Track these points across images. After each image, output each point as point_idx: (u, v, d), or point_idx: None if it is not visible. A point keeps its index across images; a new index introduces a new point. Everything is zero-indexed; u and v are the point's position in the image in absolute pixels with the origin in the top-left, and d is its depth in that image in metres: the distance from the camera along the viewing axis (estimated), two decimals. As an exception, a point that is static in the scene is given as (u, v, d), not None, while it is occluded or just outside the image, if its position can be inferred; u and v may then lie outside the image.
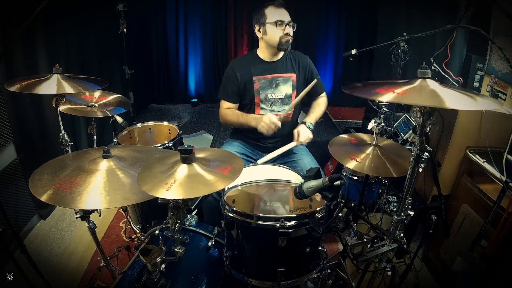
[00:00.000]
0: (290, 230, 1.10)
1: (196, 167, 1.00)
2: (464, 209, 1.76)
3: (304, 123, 1.90)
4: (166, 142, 1.77)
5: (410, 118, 2.25)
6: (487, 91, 2.34)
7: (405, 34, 2.00)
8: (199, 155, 1.06)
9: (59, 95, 1.43)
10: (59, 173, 1.06)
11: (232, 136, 2.11)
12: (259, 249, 1.22)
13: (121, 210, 2.47)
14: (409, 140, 2.13)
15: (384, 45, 2.11)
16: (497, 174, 1.58)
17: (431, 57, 2.21)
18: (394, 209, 1.35)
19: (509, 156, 1.59)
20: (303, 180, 1.08)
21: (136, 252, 1.53)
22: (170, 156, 1.09)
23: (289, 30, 1.82)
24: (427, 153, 1.03)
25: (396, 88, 0.97)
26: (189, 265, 1.26)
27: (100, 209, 1.78)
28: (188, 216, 1.43)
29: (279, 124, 1.78)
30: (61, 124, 1.48)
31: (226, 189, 1.32)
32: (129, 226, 2.14)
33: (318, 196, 1.25)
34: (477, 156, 1.76)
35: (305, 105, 2.10)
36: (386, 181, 1.81)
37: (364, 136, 1.62)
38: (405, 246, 1.20)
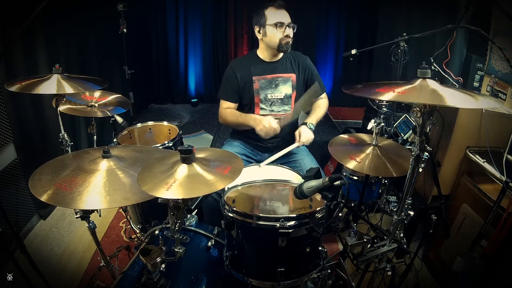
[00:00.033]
0: (290, 230, 1.10)
1: (196, 167, 1.00)
2: (464, 209, 1.76)
3: (305, 123, 1.90)
4: (166, 142, 1.77)
5: (410, 118, 2.25)
6: (487, 91, 2.34)
7: (405, 34, 2.00)
8: (199, 155, 1.06)
9: (59, 95, 1.43)
10: (59, 173, 1.06)
11: (232, 136, 2.11)
12: (259, 249, 1.22)
13: (121, 210, 2.47)
14: (409, 140, 2.13)
15: (384, 45, 2.10)
16: (497, 174, 1.58)
17: (431, 57, 2.21)
18: (394, 209, 1.35)
19: (509, 156, 1.59)
20: (303, 180, 1.08)
21: (136, 252, 1.54)
22: (170, 156, 1.09)
23: (289, 31, 1.81)
24: (427, 153, 1.03)
25: (396, 87, 0.98)
26: (189, 265, 1.26)
27: (100, 209, 1.78)
28: (188, 216, 1.43)
29: (278, 130, 1.78)
30: (61, 124, 1.48)
31: (226, 189, 1.32)
32: (129, 226, 2.14)
33: (318, 196, 1.25)
34: (477, 156, 1.76)
35: (305, 105, 2.10)
36: (386, 181, 1.81)
37: (364, 136, 1.62)
38: (405, 246, 1.20)
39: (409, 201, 1.14)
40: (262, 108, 1.94)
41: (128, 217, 1.91)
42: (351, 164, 1.41)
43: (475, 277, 1.60)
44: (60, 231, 2.32)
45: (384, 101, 1.99)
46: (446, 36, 2.37)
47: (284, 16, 1.81)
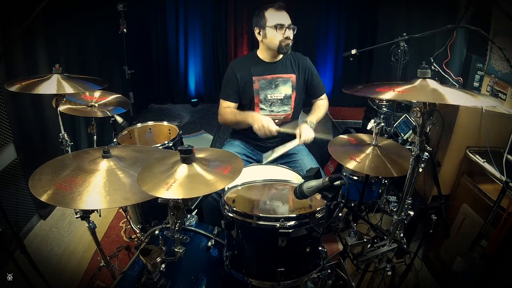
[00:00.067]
0: (290, 230, 1.10)
1: (196, 167, 1.00)
2: (464, 209, 1.76)
3: (305, 122, 1.89)
4: (166, 142, 1.77)
5: (410, 118, 2.25)
6: (487, 91, 2.33)
7: (405, 34, 2.00)
8: (199, 155, 1.06)
9: (59, 95, 1.43)
10: (59, 173, 1.06)
11: (232, 136, 2.11)
12: (259, 249, 1.22)
13: (121, 210, 2.47)
14: (409, 140, 2.12)
15: (384, 45, 2.10)
16: (497, 174, 1.58)
17: (431, 57, 2.21)
18: (394, 209, 1.36)
19: (509, 156, 1.59)
20: (303, 180, 1.08)
21: (136, 252, 1.54)
22: (170, 156, 1.09)
23: (289, 33, 1.81)
24: (427, 153, 1.03)
25: (396, 87, 0.98)
26: (189, 265, 1.26)
27: (100, 209, 1.78)
28: (188, 216, 1.43)
29: (275, 133, 1.78)
30: (61, 124, 1.48)
31: (226, 189, 1.32)
32: (129, 226, 2.14)
33: (318, 196, 1.25)
34: (477, 156, 1.76)
35: (305, 105, 2.10)
36: (386, 181, 1.81)
37: (364, 136, 1.62)
38: (405, 246, 1.20)
39: (409, 201, 1.14)
40: (262, 109, 1.94)
41: (128, 217, 1.91)
42: (351, 164, 1.41)
43: (475, 277, 1.60)
44: (60, 231, 2.32)
45: (384, 101, 2.00)
46: (446, 36, 2.37)
47: (284, 18, 1.80)
